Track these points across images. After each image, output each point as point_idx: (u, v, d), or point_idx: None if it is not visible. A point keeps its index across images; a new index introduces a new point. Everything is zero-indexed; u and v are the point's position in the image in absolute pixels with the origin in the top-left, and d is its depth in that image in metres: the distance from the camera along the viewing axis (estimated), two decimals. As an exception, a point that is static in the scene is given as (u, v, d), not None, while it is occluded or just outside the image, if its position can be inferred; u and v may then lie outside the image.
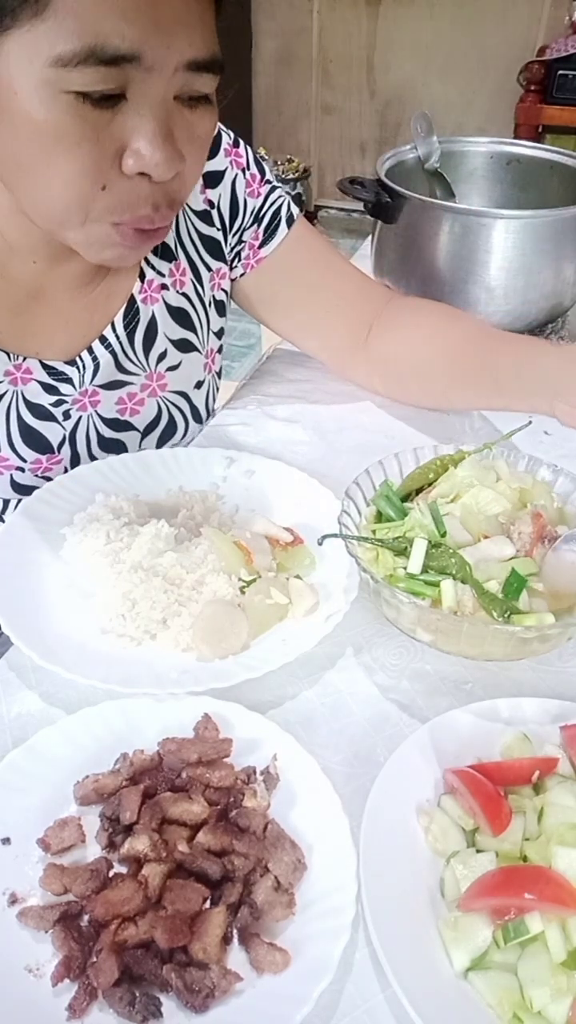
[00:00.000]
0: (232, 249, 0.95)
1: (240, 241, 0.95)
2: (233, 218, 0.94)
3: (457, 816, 0.57)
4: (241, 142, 0.94)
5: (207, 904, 0.53)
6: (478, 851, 0.55)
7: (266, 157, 3.78)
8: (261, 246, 0.96)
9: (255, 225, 0.95)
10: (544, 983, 0.48)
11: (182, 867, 0.54)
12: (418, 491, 0.77)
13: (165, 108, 0.63)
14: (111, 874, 0.54)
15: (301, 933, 0.51)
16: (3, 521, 0.88)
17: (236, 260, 0.96)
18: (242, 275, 0.98)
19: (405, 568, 0.67)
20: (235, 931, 0.52)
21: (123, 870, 0.55)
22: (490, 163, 1.26)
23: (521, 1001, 0.48)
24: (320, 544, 0.72)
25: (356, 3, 3.50)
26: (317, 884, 0.53)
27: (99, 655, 0.68)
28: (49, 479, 0.86)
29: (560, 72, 2.99)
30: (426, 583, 0.66)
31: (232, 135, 0.93)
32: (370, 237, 1.22)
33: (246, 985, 0.49)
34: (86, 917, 0.52)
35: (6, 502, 0.88)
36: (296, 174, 3.77)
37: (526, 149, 1.23)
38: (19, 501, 0.87)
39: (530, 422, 0.82)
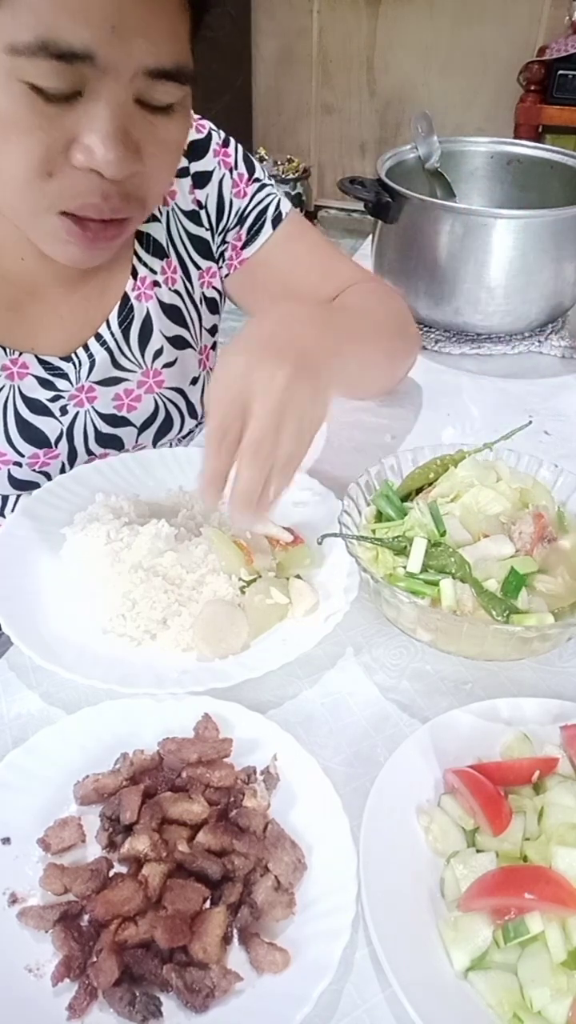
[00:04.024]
0: (218, 249, 0.96)
1: (224, 242, 0.95)
2: (219, 218, 0.94)
3: (457, 816, 0.57)
4: (232, 141, 0.94)
5: (207, 904, 0.53)
6: (478, 851, 0.55)
7: (266, 157, 3.78)
8: (243, 247, 0.96)
9: (238, 226, 0.95)
10: (544, 983, 0.48)
11: (182, 867, 0.54)
12: (418, 491, 0.77)
13: (122, 109, 0.62)
14: (111, 874, 0.54)
15: (301, 933, 0.51)
16: (2, 516, 0.89)
17: (221, 260, 0.97)
18: (227, 275, 0.98)
19: (405, 567, 0.67)
20: (235, 931, 0.52)
21: (123, 870, 0.55)
22: (490, 163, 1.26)
23: (521, 1001, 0.48)
24: (320, 544, 0.72)
25: (356, 3, 3.50)
26: (317, 884, 0.53)
27: (99, 655, 0.68)
28: (46, 474, 0.86)
29: (560, 72, 2.99)
30: (426, 582, 0.66)
31: (223, 135, 0.94)
32: (370, 237, 1.22)
33: (246, 985, 0.49)
34: (86, 917, 0.52)
35: (5, 497, 0.88)
36: (296, 174, 3.77)
37: (526, 149, 1.23)
38: (17, 496, 0.88)
39: (530, 422, 0.82)
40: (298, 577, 0.75)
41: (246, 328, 0.72)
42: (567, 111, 3.05)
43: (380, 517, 0.75)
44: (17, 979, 0.50)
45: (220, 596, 0.72)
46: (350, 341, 0.81)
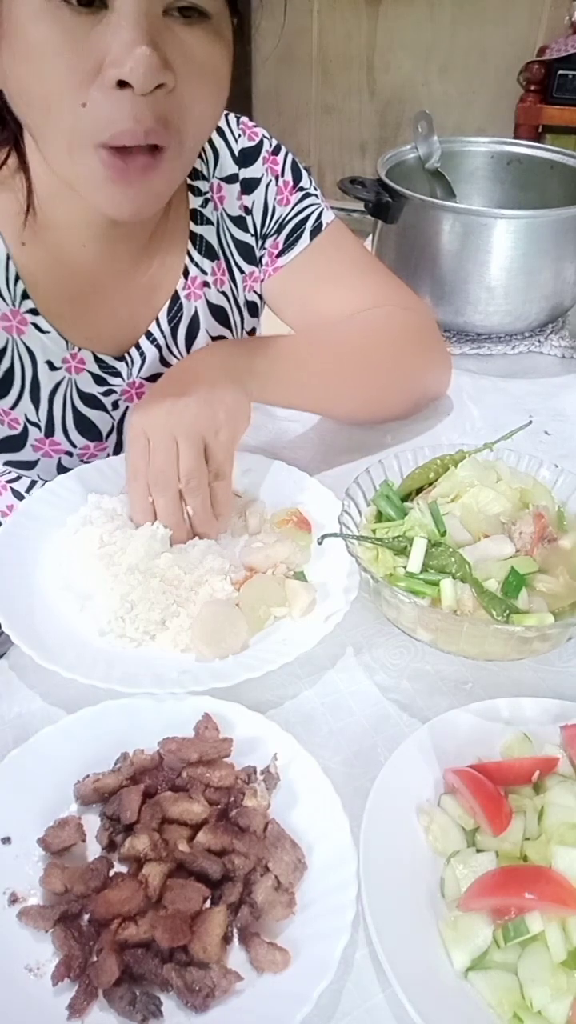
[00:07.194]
0: (259, 253, 0.97)
1: (263, 247, 0.97)
2: (263, 224, 0.95)
3: (457, 816, 0.57)
4: (283, 150, 0.95)
5: (207, 904, 0.53)
6: (478, 851, 0.55)
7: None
8: (279, 255, 0.96)
9: (277, 234, 0.96)
10: (544, 983, 0.48)
11: (182, 867, 0.54)
12: (418, 491, 0.77)
13: (149, 18, 0.62)
14: (111, 873, 0.54)
15: (301, 933, 0.51)
16: None
17: (260, 265, 0.98)
18: (262, 281, 0.99)
19: (405, 567, 0.67)
20: (235, 931, 0.52)
21: (123, 870, 0.55)
22: (490, 163, 1.26)
23: (521, 1001, 0.48)
24: (320, 544, 0.72)
25: (356, 3, 3.49)
26: (317, 884, 0.53)
27: (99, 655, 0.68)
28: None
29: (560, 72, 2.98)
30: (426, 582, 0.66)
31: (275, 143, 0.95)
32: (370, 237, 1.22)
33: (246, 985, 0.49)
34: (86, 917, 0.52)
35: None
36: (296, 174, 3.76)
37: (526, 149, 1.23)
38: None
39: (530, 421, 0.82)
40: (299, 577, 0.75)
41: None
42: (567, 111, 3.04)
43: (380, 517, 0.75)
44: (17, 979, 0.50)
45: (217, 596, 0.72)
46: (266, 356, 0.84)
